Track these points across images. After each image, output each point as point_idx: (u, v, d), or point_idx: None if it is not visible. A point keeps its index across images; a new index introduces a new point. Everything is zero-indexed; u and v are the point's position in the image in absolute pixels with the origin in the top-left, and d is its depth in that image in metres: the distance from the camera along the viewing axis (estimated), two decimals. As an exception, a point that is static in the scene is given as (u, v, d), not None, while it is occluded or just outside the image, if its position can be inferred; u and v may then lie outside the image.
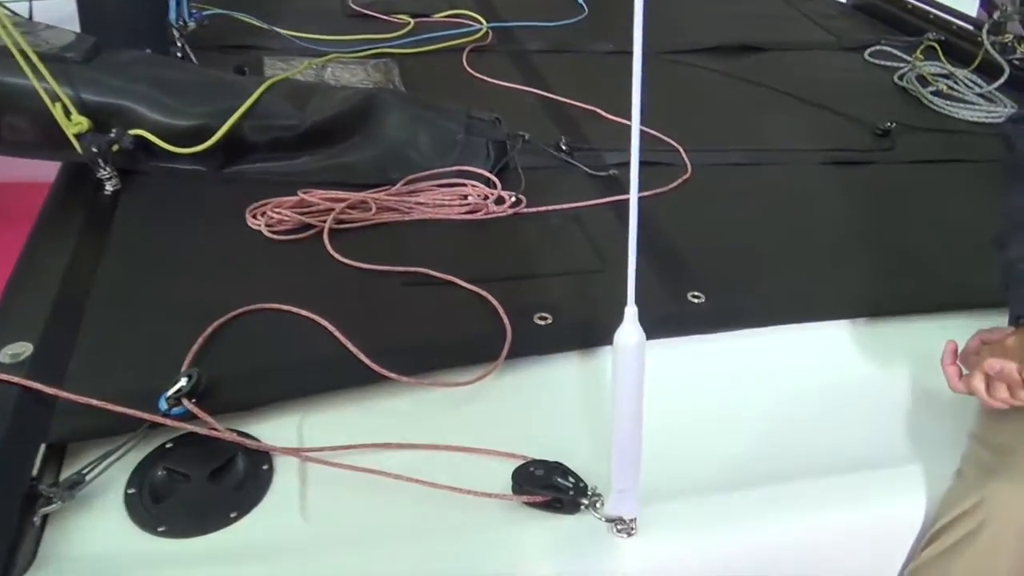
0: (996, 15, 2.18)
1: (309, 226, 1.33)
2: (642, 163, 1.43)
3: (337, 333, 1.08)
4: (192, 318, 1.08)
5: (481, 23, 2.22)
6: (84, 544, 0.83)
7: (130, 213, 1.35)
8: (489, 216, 1.39)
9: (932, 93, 2.03)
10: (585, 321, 1.14)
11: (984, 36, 2.11)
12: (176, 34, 1.80)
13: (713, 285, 1.22)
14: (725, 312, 1.18)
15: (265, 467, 0.93)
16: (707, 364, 1.11)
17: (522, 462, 0.94)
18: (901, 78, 2.13)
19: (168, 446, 0.93)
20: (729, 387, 1.08)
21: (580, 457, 0.96)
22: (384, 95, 1.57)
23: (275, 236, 1.31)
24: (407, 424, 1.00)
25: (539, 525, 0.87)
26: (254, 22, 2.05)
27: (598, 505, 0.86)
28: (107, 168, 1.37)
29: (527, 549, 0.85)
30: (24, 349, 1.01)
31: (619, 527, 0.85)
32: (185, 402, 0.94)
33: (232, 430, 0.95)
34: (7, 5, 1.46)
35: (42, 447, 0.89)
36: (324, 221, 1.32)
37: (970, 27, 2.33)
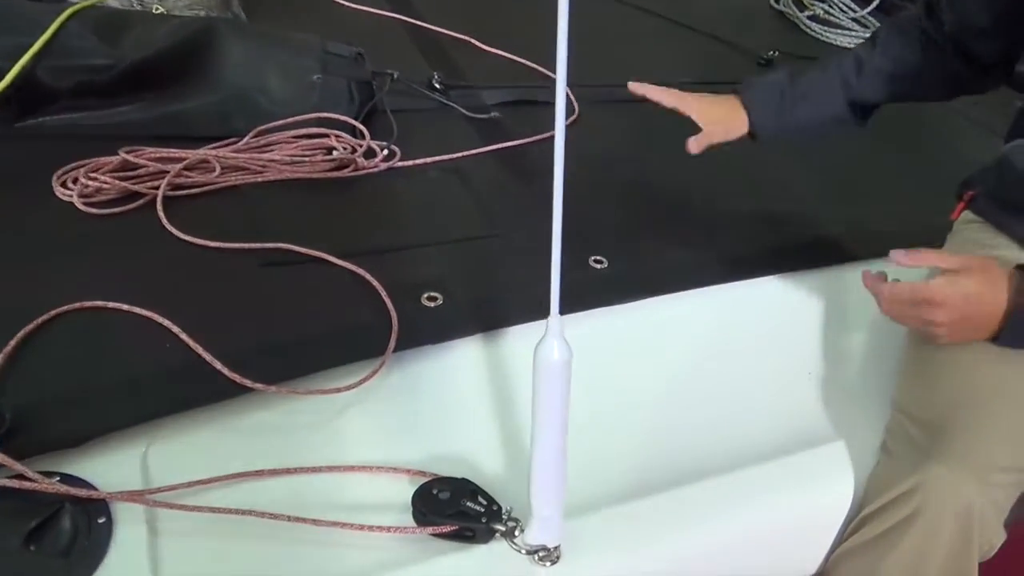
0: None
1: (136, 194, 1.09)
2: (524, 102, 1.26)
3: (182, 335, 0.88)
4: (-15, 329, 0.85)
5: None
6: None
7: None
8: (359, 173, 1.20)
9: (809, 18, 1.98)
10: (480, 299, 0.99)
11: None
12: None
13: (616, 247, 1.11)
14: (632, 278, 1.07)
15: (101, 520, 0.74)
16: (615, 340, 1.01)
17: (422, 480, 0.80)
18: (777, 1, 2.07)
19: (-35, 508, 0.72)
20: (639, 367, 0.99)
21: (488, 467, 0.85)
22: (221, 26, 1.30)
23: (93, 209, 1.06)
24: (279, 445, 0.84)
25: (448, 561, 0.74)
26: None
27: (516, 533, 0.75)
28: None
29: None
30: None
31: (541, 555, 0.74)
32: (-17, 448, 0.73)
33: (52, 474, 0.75)
34: None
35: None
36: (156, 188, 1.09)
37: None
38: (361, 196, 1.18)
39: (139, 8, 1.46)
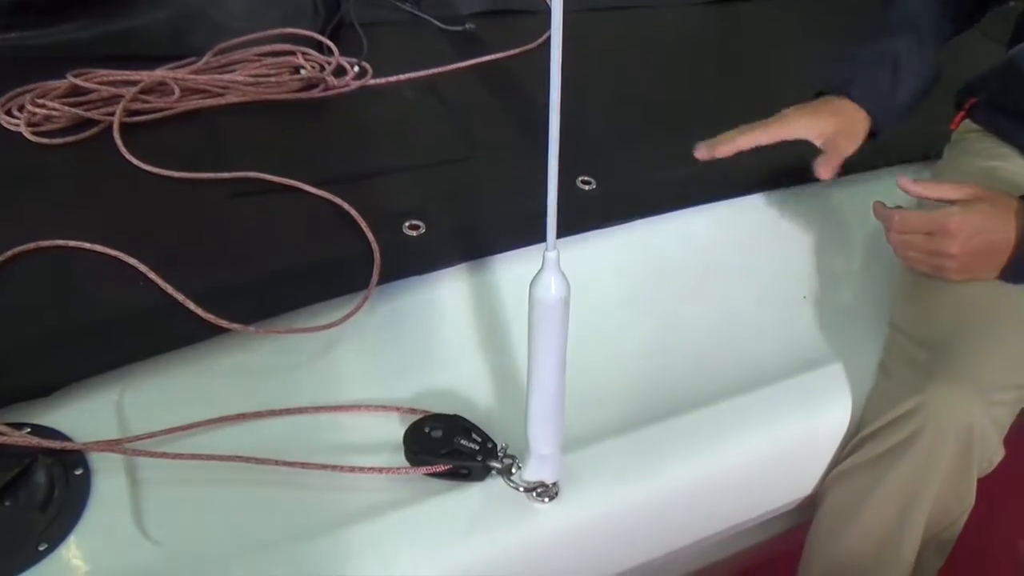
0: None
1: (90, 122, 1.02)
2: (499, 12, 1.17)
3: (151, 274, 0.83)
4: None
5: None
6: None
7: None
8: (329, 93, 1.13)
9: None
10: (465, 225, 0.95)
11: None
12: None
13: (603, 167, 1.06)
14: (621, 199, 1.02)
15: (78, 471, 0.71)
16: (605, 265, 0.97)
17: (413, 418, 0.77)
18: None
19: (-69, 466, 0.68)
20: (630, 292, 0.95)
21: (481, 402, 0.82)
22: (168, -68, 1.20)
23: (43, 140, 0.99)
24: (261, 387, 0.80)
25: (443, 501, 0.72)
26: None
27: (513, 470, 0.72)
28: None
29: (431, 532, 0.71)
30: None
31: (539, 492, 0.72)
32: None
33: (21, 425, 0.71)
34: None
35: None
36: (111, 114, 1.02)
37: None
38: (333, 118, 1.11)
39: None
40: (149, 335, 0.80)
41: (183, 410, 0.75)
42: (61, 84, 1.04)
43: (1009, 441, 0.80)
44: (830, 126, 0.92)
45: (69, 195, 0.94)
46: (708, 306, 0.95)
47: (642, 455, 0.79)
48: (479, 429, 0.76)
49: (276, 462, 0.72)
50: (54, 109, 1.01)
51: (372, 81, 1.16)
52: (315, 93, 1.12)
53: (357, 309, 0.83)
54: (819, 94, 0.97)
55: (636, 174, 1.07)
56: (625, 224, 1.00)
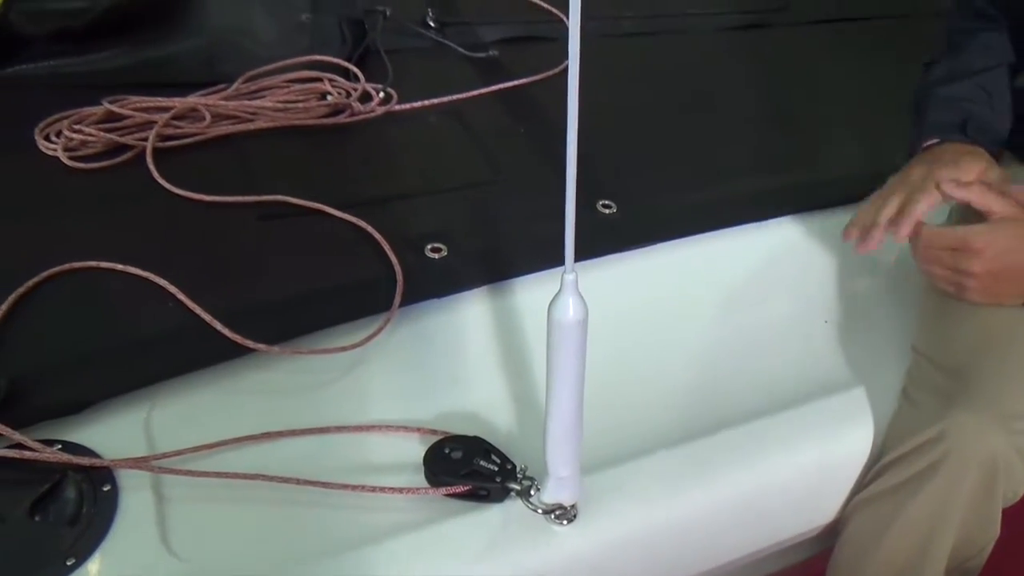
0: None
1: (124, 147, 1.05)
2: (522, 39, 1.18)
3: (180, 294, 0.85)
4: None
5: None
6: None
7: None
8: (355, 119, 1.15)
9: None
10: (486, 248, 0.96)
11: None
12: None
13: (624, 191, 1.07)
14: (642, 223, 1.03)
15: (106, 487, 0.72)
16: (625, 289, 0.97)
17: (433, 439, 0.78)
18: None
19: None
20: (651, 317, 0.96)
21: (501, 424, 0.82)
22: (201, -36, 1.24)
23: (79, 164, 1.02)
24: (285, 406, 0.81)
25: (462, 522, 0.73)
26: None
27: (532, 492, 0.73)
28: None
29: (450, 553, 0.71)
30: None
31: (557, 514, 0.73)
32: (-21, 418, 0.70)
33: (52, 442, 0.73)
34: None
35: None
36: (144, 139, 1.05)
37: None
38: (358, 143, 1.13)
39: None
40: (177, 354, 0.82)
41: (209, 428, 0.77)
42: (97, 110, 1.07)
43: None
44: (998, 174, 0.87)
45: (103, 217, 0.96)
46: (728, 330, 0.96)
47: (661, 479, 0.79)
48: (498, 451, 0.76)
49: (298, 481, 0.73)
50: (90, 135, 1.04)
51: (397, 107, 1.18)
52: (341, 119, 1.15)
53: (379, 330, 0.85)
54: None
55: (656, 198, 1.08)
56: (645, 248, 1.01)
